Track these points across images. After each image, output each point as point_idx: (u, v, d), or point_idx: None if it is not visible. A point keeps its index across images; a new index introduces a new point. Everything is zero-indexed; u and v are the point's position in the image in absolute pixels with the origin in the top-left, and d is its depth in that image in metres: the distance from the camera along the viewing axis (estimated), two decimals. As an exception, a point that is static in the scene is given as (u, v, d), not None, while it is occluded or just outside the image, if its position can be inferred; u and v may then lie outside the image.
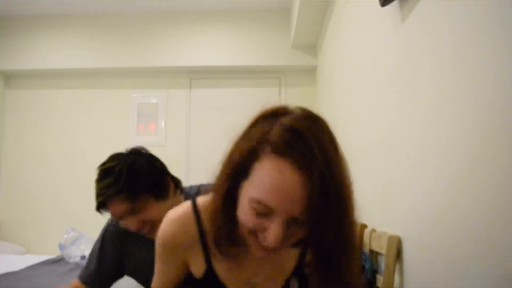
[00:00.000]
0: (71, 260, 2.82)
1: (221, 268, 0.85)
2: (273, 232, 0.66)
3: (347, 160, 0.71)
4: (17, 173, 4.22)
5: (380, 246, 1.56)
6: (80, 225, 3.46)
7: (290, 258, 0.86)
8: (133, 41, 4.13)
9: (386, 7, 1.59)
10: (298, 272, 0.86)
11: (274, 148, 0.65)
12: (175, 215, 0.86)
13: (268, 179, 0.64)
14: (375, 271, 1.63)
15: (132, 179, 1.19)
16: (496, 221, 0.87)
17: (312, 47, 3.98)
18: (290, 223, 0.67)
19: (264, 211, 0.66)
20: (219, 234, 0.76)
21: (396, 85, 1.56)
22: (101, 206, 1.22)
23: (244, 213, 0.69)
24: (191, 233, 0.84)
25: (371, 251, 1.68)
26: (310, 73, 4.07)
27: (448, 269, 1.09)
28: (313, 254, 0.73)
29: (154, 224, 1.15)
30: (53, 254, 3.30)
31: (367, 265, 1.62)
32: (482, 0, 0.95)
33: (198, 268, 0.87)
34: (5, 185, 4.20)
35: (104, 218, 1.47)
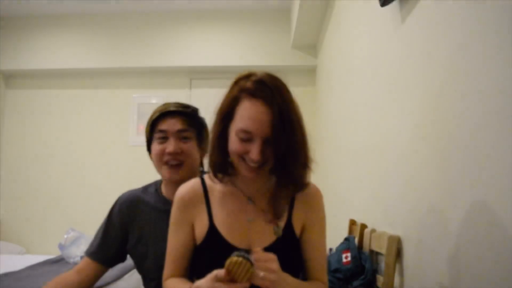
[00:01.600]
0: (71, 260, 2.82)
1: (220, 223, 1.05)
2: (254, 149, 0.95)
3: (296, 101, 1.00)
4: (17, 173, 4.22)
5: (380, 246, 1.56)
6: (80, 225, 3.46)
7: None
8: (133, 41, 4.13)
9: (386, 7, 1.59)
10: (287, 231, 1.06)
11: (249, 93, 0.97)
12: (187, 183, 1.13)
13: (246, 112, 0.96)
14: (375, 271, 1.63)
15: (196, 115, 1.41)
16: (496, 221, 0.87)
17: (312, 47, 3.98)
18: (264, 144, 0.96)
19: (246, 137, 0.96)
20: (216, 165, 1.04)
21: (395, 85, 1.56)
22: (163, 115, 1.35)
23: (233, 142, 0.98)
24: (198, 191, 1.10)
25: (371, 251, 1.68)
26: (310, 73, 4.07)
27: (448, 269, 1.09)
28: (274, 158, 0.98)
29: (184, 160, 1.33)
30: (53, 254, 3.29)
31: (367, 265, 1.62)
32: (481, 1, 0.95)
33: (202, 226, 1.06)
34: (5, 185, 4.20)
35: (103, 219, 1.46)
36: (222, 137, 1.01)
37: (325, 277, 1.10)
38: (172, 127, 1.34)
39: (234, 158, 1.00)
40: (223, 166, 1.04)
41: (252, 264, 0.87)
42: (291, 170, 1.00)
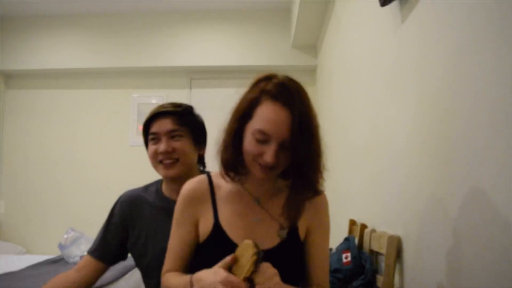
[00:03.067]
0: (71, 260, 2.82)
1: (226, 221, 1.05)
2: (270, 151, 0.95)
3: (315, 110, 1.01)
4: (18, 173, 4.21)
5: (380, 246, 1.56)
6: (80, 225, 3.46)
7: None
8: (133, 41, 4.13)
9: (386, 7, 1.59)
10: (292, 235, 1.06)
11: (270, 95, 0.96)
12: (193, 179, 1.13)
13: (266, 113, 0.95)
14: (375, 271, 1.63)
15: (188, 113, 1.41)
16: (497, 221, 0.87)
17: (312, 47, 3.97)
18: (281, 147, 0.95)
19: (263, 138, 0.95)
20: (228, 164, 1.03)
21: (395, 85, 1.56)
22: (154, 117, 1.37)
23: (249, 143, 0.97)
24: (204, 189, 1.09)
25: (371, 251, 1.68)
26: (310, 73, 4.07)
27: (448, 269, 1.09)
28: (292, 163, 0.98)
29: (178, 158, 1.35)
30: (53, 254, 3.30)
31: (367, 265, 1.62)
32: (481, 1, 0.95)
33: (207, 224, 1.06)
34: (6, 185, 4.20)
35: (103, 219, 1.47)
36: (237, 136, 1.00)
37: (326, 284, 1.09)
38: (162, 128, 1.36)
39: (247, 158, 0.99)
40: (235, 165, 1.03)
41: (259, 256, 0.87)
42: (309, 176, 1.00)
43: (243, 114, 0.99)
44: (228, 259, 0.91)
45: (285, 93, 0.95)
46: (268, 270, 0.90)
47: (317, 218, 1.09)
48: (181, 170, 1.34)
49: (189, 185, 1.11)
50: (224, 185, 1.09)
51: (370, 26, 1.95)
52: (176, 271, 1.08)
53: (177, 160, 1.35)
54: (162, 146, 1.34)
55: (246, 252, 0.88)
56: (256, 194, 1.07)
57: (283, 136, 0.94)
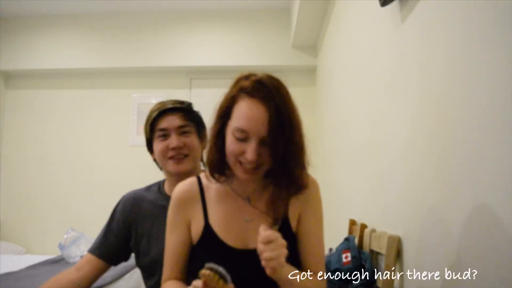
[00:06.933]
0: (71, 260, 2.82)
1: (216, 222, 1.05)
2: (250, 149, 0.94)
3: (295, 103, 0.99)
4: (17, 173, 4.22)
5: (380, 246, 1.56)
6: (80, 225, 3.46)
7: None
8: (133, 41, 4.13)
9: (386, 7, 1.59)
10: (284, 227, 1.03)
11: (247, 92, 0.96)
12: (183, 182, 1.13)
13: (243, 111, 0.95)
14: (375, 271, 1.63)
15: (192, 109, 1.45)
16: (496, 221, 0.87)
17: (312, 47, 3.98)
18: (261, 144, 0.95)
19: (242, 136, 0.95)
20: (212, 165, 1.03)
21: (395, 85, 1.56)
22: (162, 113, 1.38)
23: (230, 142, 0.97)
24: (194, 190, 1.10)
25: (371, 251, 1.68)
26: (310, 73, 4.07)
27: (448, 269, 1.09)
28: (273, 159, 0.96)
29: (188, 154, 1.37)
30: (53, 254, 3.29)
31: (367, 265, 1.62)
32: (481, 1, 0.95)
33: (198, 226, 1.06)
34: (5, 185, 4.20)
35: (103, 219, 1.47)
36: (220, 137, 1.00)
37: (322, 270, 1.07)
38: (172, 124, 1.37)
39: (230, 159, 0.99)
40: (220, 166, 1.03)
41: (222, 276, 0.85)
42: (290, 172, 0.98)
43: (223, 114, 0.99)
44: (199, 285, 0.86)
45: (262, 89, 0.95)
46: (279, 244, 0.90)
47: (308, 204, 1.07)
48: (191, 165, 1.36)
49: (179, 188, 1.11)
50: (213, 186, 1.08)
51: (370, 26, 1.95)
52: (176, 278, 1.07)
53: (187, 155, 1.36)
54: (173, 142, 1.35)
55: (211, 281, 0.85)
56: (244, 194, 1.06)
57: (262, 133, 0.93)
